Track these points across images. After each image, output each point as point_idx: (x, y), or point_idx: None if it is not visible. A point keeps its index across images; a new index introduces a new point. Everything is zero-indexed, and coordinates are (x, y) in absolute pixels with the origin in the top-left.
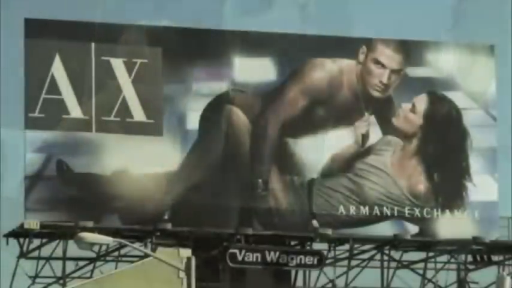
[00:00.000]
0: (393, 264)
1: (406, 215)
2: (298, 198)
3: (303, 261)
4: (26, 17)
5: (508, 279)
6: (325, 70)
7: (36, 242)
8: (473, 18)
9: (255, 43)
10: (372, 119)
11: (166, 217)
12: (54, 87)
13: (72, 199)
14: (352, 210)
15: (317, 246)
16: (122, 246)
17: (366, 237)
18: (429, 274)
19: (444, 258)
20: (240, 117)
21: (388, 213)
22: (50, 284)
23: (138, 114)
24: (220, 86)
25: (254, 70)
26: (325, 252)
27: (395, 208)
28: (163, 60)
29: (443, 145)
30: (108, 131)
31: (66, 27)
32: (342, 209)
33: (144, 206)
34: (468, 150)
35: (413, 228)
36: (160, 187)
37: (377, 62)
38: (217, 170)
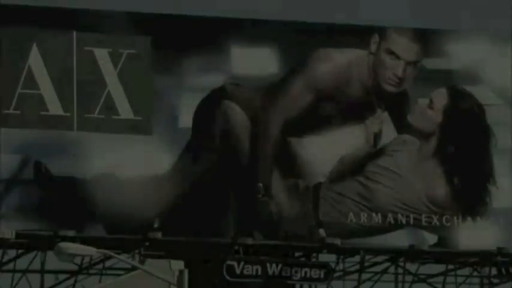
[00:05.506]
0: (409, 277)
1: (423, 223)
2: (303, 204)
3: (308, 275)
4: None
5: None
6: (332, 62)
7: (12, 253)
8: (497, 6)
9: (254, 32)
10: (385, 116)
11: (156, 225)
12: (31, 81)
13: (51, 205)
14: (363, 217)
15: (324, 258)
16: (107, 257)
17: (379, 248)
18: None
19: (466, 271)
20: (238, 114)
21: (403, 221)
22: None
23: (125, 111)
24: (216, 80)
25: (254, 62)
26: (333, 265)
27: (411, 215)
28: (153, 50)
29: (464, 145)
30: (91, 130)
31: (44, 14)
32: (351, 216)
33: (132, 213)
34: (492, 151)
35: (431, 238)
36: (149, 192)
37: (391, 53)
38: (213, 172)
